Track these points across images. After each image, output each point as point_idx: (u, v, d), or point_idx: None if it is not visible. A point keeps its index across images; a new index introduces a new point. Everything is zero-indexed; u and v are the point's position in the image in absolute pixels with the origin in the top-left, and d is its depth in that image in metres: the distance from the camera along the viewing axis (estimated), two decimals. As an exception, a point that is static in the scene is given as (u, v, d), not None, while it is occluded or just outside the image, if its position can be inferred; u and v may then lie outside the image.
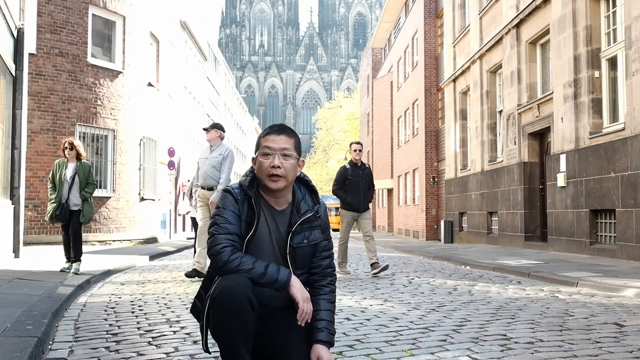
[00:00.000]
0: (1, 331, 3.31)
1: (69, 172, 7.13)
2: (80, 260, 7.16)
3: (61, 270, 6.98)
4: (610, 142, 9.42)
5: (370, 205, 8.86)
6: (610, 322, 3.96)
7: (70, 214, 7.04)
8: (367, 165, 8.29)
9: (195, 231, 8.14)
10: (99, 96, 14.52)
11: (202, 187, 7.29)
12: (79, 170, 7.16)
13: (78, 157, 7.24)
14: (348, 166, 8.11)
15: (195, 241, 7.77)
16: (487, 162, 15.37)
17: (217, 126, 7.56)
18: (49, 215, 7.07)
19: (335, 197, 8.27)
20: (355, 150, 8.08)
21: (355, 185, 7.96)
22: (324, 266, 2.53)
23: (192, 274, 7.01)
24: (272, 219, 2.46)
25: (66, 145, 7.25)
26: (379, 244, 18.26)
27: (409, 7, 27.22)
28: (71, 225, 7.08)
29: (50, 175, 7.24)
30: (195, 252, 7.50)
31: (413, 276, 7.58)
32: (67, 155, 7.21)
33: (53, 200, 7.05)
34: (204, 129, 7.62)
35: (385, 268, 7.70)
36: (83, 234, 13.87)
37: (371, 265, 7.76)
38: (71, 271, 6.95)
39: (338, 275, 6.73)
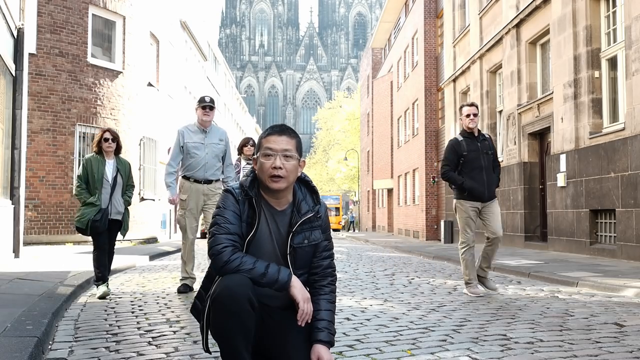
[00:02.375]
0: (1, 331, 3.31)
1: (108, 170, 5.71)
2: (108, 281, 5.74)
3: (101, 297, 5.44)
4: (610, 142, 9.42)
5: (497, 192, 6.19)
6: (610, 322, 3.96)
7: (109, 224, 5.63)
8: (487, 136, 5.88)
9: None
10: (99, 96, 14.52)
11: (198, 181, 5.88)
12: (121, 169, 5.79)
13: (117, 151, 5.83)
14: (461, 138, 5.70)
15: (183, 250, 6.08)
16: (487, 162, 15.35)
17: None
18: (82, 221, 5.48)
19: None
20: (468, 116, 5.70)
21: (475, 163, 5.64)
22: (324, 266, 2.53)
23: (183, 289, 5.85)
24: (273, 219, 2.46)
25: (106, 136, 5.70)
26: (379, 243, 18.27)
27: (409, 7, 27.21)
28: (110, 239, 5.74)
29: (80, 173, 5.71)
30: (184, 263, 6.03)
31: (413, 276, 7.58)
32: (105, 150, 5.71)
33: (89, 205, 5.54)
34: (203, 106, 5.92)
35: (493, 289, 5.78)
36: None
37: (467, 283, 5.74)
38: (99, 295, 5.48)
39: (469, 297, 5.49)
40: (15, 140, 9.17)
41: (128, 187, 5.87)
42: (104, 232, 5.62)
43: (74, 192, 6.21)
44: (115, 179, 5.71)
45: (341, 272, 7.96)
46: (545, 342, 3.36)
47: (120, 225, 5.82)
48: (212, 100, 5.97)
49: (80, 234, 5.98)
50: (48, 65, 13.58)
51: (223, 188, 4.73)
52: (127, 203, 5.85)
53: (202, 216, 6.10)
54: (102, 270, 5.57)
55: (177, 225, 8.21)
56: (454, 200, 5.84)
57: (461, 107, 5.90)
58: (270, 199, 2.46)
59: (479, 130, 5.81)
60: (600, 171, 9.67)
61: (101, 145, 5.73)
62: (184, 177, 5.93)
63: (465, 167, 5.67)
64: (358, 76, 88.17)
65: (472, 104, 5.81)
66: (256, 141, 2.53)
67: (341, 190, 58.37)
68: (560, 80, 11.02)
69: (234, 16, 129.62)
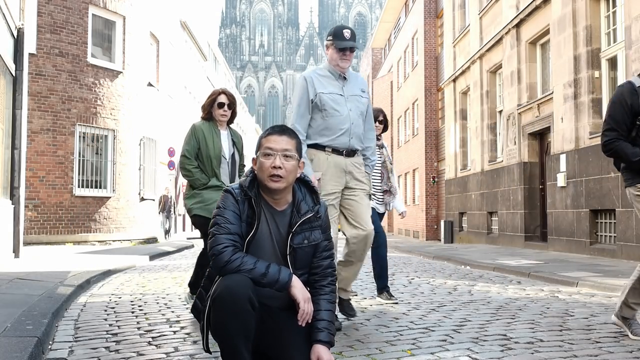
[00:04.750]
0: (1, 331, 3.31)
1: (224, 143, 4.50)
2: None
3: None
4: (610, 142, 9.42)
5: None
6: (610, 322, 3.96)
7: None
8: None
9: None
10: (99, 96, 14.52)
11: (338, 152, 3.90)
12: (237, 144, 4.64)
13: (230, 120, 4.64)
14: (638, 84, 3.44)
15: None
16: (487, 162, 15.37)
17: None
18: (209, 207, 4.23)
19: None
20: None
21: None
22: (324, 266, 2.53)
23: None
24: (273, 219, 2.46)
25: (221, 100, 4.48)
26: (379, 244, 18.24)
27: (409, 7, 27.22)
28: None
29: (188, 146, 4.43)
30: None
31: (413, 276, 7.58)
32: (218, 118, 4.50)
33: (214, 188, 4.38)
34: (342, 48, 3.84)
35: None
36: (82, 234, 14.11)
37: (629, 320, 3.60)
38: (189, 303, 4.60)
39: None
40: (15, 140, 9.17)
41: (240, 167, 4.69)
42: None
43: (182, 171, 4.43)
44: (232, 156, 4.55)
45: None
46: (545, 342, 3.36)
47: None
48: (353, 37, 3.88)
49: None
50: (48, 65, 13.58)
51: (363, 165, 4.01)
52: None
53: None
54: (201, 275, 4.44)
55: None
56: (630, 190, 3.54)
57: None
58: (270, 199, 2.46)
59: None
60: (600, 171, 9.67)
61: (212, 111, 4.49)
62: (315, 146, 3.89)
63: None
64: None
65: None
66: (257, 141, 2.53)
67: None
68: (560, 80, 11.03)
69: (234, 16, 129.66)
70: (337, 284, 3.87)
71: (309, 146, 3.88)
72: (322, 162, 3.87)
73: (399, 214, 6.03)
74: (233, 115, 4.58)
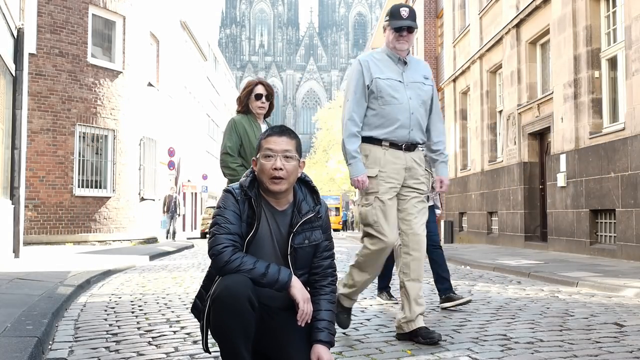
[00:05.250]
0: (1, 331, 3.31)
1: None
2: None
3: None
4: (610, 142, 9.42)
5: None
6: (610, 322, 3.96)
7: None
8: None
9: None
10: (99, 96, 14.52)
11: (397, 146, 3.42)
12: None
13: (267, 114, 4.26)
14: None
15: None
16: (487, 162, 15.37)
17: None
18: None
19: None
20: None
21: None
22: (324, 266, 2.53)
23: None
24: (273, 219, 2.46)
25: (258, 91, 4.08)
26: (379, 244, 18.25)
27: (409, 7, 27.22)
28: None
29: (229, 142, 4.03)
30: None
31: (413, 276, 7.57)
32: (256, 110, 4.11)
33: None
34: (399, 28, 3.46)
35: None
36: (82, 234, 14.12)
37: None
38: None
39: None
40: (15, 140, 9.17)
41: None
42: None
43: (225, 170, 4.02)
44: None
45: (341, 272, 7.94)
46: (545, 342, 3.36)
47: None
48: (412, 15, 3.52)
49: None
50: (48, 65, 13.59)
51: (424, 161, 3.58)
52: None
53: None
54: None
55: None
56: None
57: None
58: (271, 199, 2.46)
59: None
60: (600, 171, 9.67)
61: (249, 104, 4.09)
62: (370, 139, 3.48)
63: None
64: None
65: None
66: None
67: (341, 191, 58.37)
68: (560, 80, 11.02)
69: (234, 16, 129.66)
70: (350, 290, 3.58)
71: (363, 140, 3.45)
72: (378, 158, 3.41)
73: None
74: (271, 107, 4.19)
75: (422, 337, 3.29)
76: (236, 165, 3.98)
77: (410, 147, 3.47)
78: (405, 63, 3.52)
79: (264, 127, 4.10)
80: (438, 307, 4.77)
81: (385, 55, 3.52)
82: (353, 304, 3.75)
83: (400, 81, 3.47)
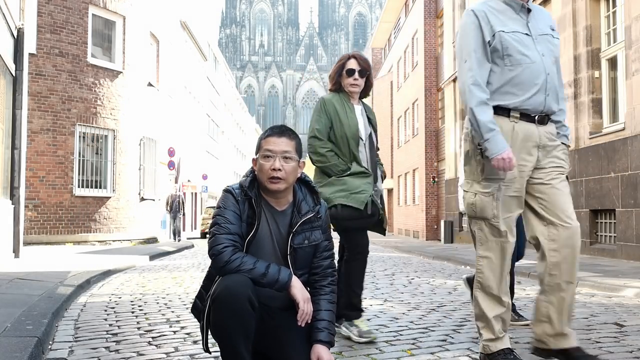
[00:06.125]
0: (1, 331, 3.31)
1: (360, 120, 3.57)
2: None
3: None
4: (610, 142, 9.43)
5: None
6: (610, 322, 3.96)
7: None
8: None
9: None
10: (99, 96, 14.53)
11: (529, 117, 2.72)
12: (374, 121, 3.71)
13: (363, 93, 3.69)
14: None
15: None
16: (487, 162, 15.36)
17: None
18: (360, 198, 3.35)
19: None
20: None
21: None
22: (324, 266, 2.53)
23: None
24: (273, 219, 2.46)
25: (351, 65, 3.55)
26: (379, 244, 18.27)
27: (409, 7, 27.22)
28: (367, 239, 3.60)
29: (317, 125, 3.52)
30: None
31: (413, 276, 7.58)
32: (349, 88, 3.58)
33: (360, 175, 3.45)
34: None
35: None
36: (82, 234, 14.12)
37: None
38: (361, 337, 3.39)
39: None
40: (15, 140, 9.17)
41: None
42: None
43: (313, 156, 3.51)
44: (370, 137, 3.60)
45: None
46: (545, 342, 3.36)
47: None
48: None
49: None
50: (48, 65, 13.59)
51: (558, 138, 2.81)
52: (383, 176, 3.70)
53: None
54: (357, 297, 3.61)
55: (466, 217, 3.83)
56: None
57: None
58: (270, 199, 2.47)
59: None
60: (600, 171, 9.67)
61: (341, 81, 3.59)
62: (495, 110, 2.78)
63: None
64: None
65: None
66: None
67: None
68: (560, 80, 11.02)
69: (234, 16, 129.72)
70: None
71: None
72: (505, 134, 2.67)
73: None
74: (367, 85, 3.62)
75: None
76: (325, 150, 3.46)
77: (544, 118, 2.75)
78: (529, 10, 2.79)
79: (358, 109, 3.60)
80: (439, 307, 4.77)
81: (502, 3, 2.78)
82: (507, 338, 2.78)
83: (527, 34, 2.76)
